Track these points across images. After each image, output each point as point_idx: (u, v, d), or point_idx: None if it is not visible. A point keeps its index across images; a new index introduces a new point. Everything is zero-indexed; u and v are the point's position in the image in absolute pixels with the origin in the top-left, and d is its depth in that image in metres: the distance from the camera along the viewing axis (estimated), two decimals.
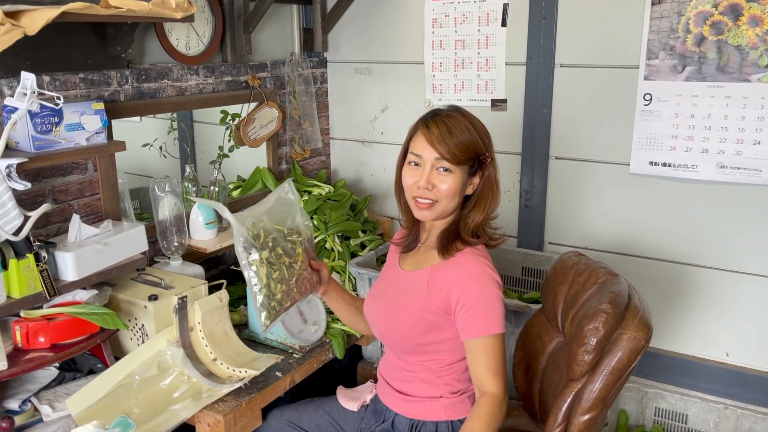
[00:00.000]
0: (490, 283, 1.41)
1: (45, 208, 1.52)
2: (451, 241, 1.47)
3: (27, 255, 1.52)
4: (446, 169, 1.42)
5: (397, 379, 1.56)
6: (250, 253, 1.41)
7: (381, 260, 2.35)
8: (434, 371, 1.50)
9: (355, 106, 2.74)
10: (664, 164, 2.15)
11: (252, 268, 1.40)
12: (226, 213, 1.47)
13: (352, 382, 2.36)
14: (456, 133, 1.41)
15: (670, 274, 2.20)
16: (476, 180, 1.46)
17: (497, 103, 2.41)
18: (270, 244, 1.44)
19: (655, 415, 2.28)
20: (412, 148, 1.47)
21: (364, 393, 1.68)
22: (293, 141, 2.59)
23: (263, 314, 1.42)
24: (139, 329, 1.77)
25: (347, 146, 2.81)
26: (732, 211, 2.07)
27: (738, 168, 2.04)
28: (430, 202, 1.45)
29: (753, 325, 2.11)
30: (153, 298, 1.73)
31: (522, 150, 2.38)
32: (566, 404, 1.40)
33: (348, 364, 2.46)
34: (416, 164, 1.46)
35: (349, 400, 1.68)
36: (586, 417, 1.37)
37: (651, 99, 2.13)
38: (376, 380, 1.71)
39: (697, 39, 2.02)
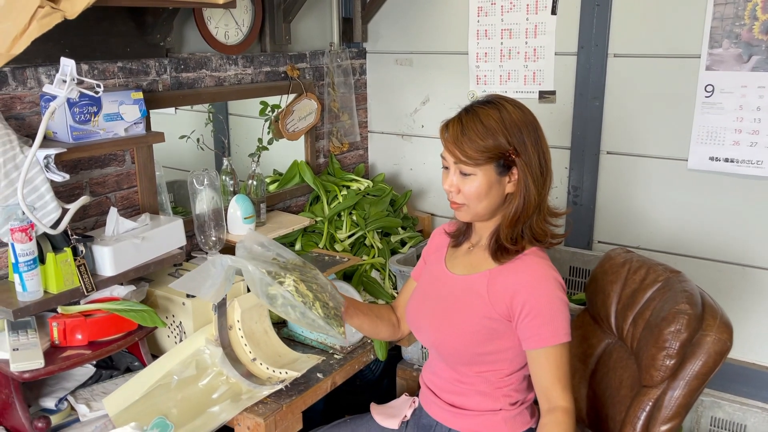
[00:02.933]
0: (555, 288, 1.32)
1: (84, 200, 1.47)
2: (499, 245, 1.37)
3: (65, 249, 1.47)
4: (465, 173, 1.33)
5: (449, 391, 1.46)
6: (282, 279, 1.31)
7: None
8: (493, 382, 1.40)
9: (394, 98, 2.66)
10: (726, 160, 2.02)
11: (290, 288, 1.30)
12: (241, 264, 1.36)
13: (390, 388, 2.29)
14: (470, 133, 1.30)
15: (731, 277, 2.08)
16: (515, 176, 1.34)
17: (545, 95, 2.31)
18: (284, 270, 1.35)
19: (711, 425, 2.16)
20: (442, 150, 1.38)
21: (403, 408, 1.57)
22: (331, 134, 2.52)
23: (333, 324, 1.32)
24: (177, 327, 1.71)
25: (386, 140, 2.73)
26: None
27: None
28: (459, 204, 1.37)
29: None
30: (191, 295, 1.67)
31: (571, 144, 2.27)
32: (645, 413, 1.30)
33: (386, 366, 2.39)
34: (446, 167, 1.38)
35: (387, 417, 1.57)
36: (669, 426, 1.27)
37: (713, 90, 2.00)
38: (418, 387, 1.62)
39: (765, 26, 1.89)
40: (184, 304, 1.67)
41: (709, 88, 2.01)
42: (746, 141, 1.98)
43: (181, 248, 1.78)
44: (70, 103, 1.50)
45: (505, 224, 1.36)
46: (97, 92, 1.44)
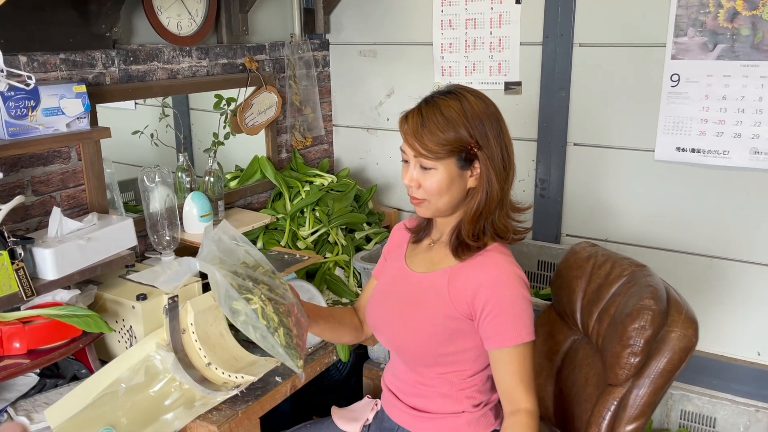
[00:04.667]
0: (518, 285, 1.27)
1: (18, 200, 1.38)
2: (460, 241, 1.32)
3: (0, 252, 1.38)
4: (426, 167, 1.27)
5: (411, 394, 1.41)
6: (249, 296, 1.23)
7: None
8: (455, 384, 1.35)
9: (359, 90, 2.59)
10: (693, 150, 1.99)
11: (256, 308, 1.22)
12: (207, 268, 1.27)
13: (358, 387, 2.23)
14: (430, 125, 1.24)
15: (698, 268, 2.06)
16: (477, 170, 1.28)
17: (511, 86, 2.26)
18: (252, 282, 1.26)
19: (681, 419, 2.14)
20: (402, 143, 1.33)
21: (365, 411, 1.52)
22: (294, 128, 2.45)
23: (293, 356, 1.22)
24: (127, 331, 1.63)
25: (351, 133, 2.66)
26: (766, 200, 1.92)
27: None
28: (419, 200, 1.31)
29: None
30: (141, 297, 1.59)
31: (538, 136, 2.23)
32: (610, 412, 1.26)
33: (352, 366, 2.33)
34: (405, 161, 1.33)
35: (349, 421, 1.51)
36: (634, 425, 1.23)
37: (679, 80, 1.97)
38: (380, 390, 1.57)
39: (730, 14, 1.86)
40: (133, 307, 1.59)
41: (675, 78, 1.98)
42: (712, 131, 1.96)
43: (131, 249, 1.69)
44: (5, 97, 1.41)
45: (467, 220, 1.31)
46: (28, 84, 1.35)
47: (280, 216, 2.19)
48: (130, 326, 1.62)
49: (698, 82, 1.95)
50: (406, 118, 1.31)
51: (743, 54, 1.87)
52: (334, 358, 1.82)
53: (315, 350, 1.79)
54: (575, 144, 2.18)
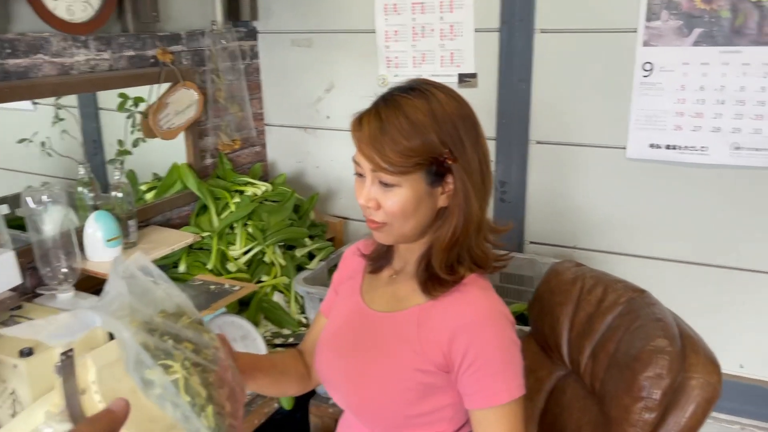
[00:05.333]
0: (504, 327, 1.02)
1: None
2: (431, 273, 1.06)
3: None
4: (387, 184, 1.00)
5: None
6: (168, 362, 0.91)
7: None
8: None
9: (293, 85, 2.29)
10: (668, 146, 1.80)
11: (178, 377, 0.91)
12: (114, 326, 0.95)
13: (303, 422, 1.95)
14: (392, 131, 0.98)
15: (675, 276, 1.88)
16: (450, 186, 1.03)
17: (466, 79, 2.01)
18: (173, 341, 0.95)
19: None
20: (355, 153, 1.05)
21: None
22: (219, 129, 2.12)
23: None
24: (10, 396, 1.29)
25: (286, 134, 2.36)
26: (749, 200, 1.75)
27: (756, 149, 1.71)
28: (379, 223, 1.04)
29: None
30: (26, 352, 1.26)
31: (497, 134, 2.00)
32: None
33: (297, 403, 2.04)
34: (360, 175, 1.05)
35: None
36: None
37: (652, 69, 1.77)
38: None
39: None
40: (16, 366, 1.26)
41: (648, 66, 1.78)
42: (689, 125, 1.77)
43: (14, 289, 1.35)
44: None
45: (440, 248, 1.05)
46: None
47: (205, 234, 1.88)
48: (13, 389, 1.28)
49: (673, 71, 1.75)
50: (359, 121, 1.03)
51: (723, 39, 1.68)
52: (276, 406, 1.53)
53: (251, 399, 1.49)
54: (538, 142, 1.96)
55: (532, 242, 2.06)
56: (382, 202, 1.02)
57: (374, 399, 1.07)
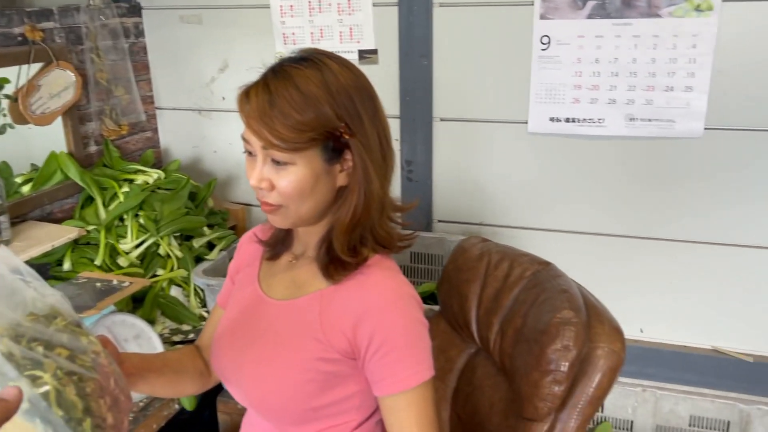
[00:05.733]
0: (411, 308, 0.97)
1: None
2: (332, 256, 1.00)
3: None
4: (280, 162, 0.93)
5: None
6: (37, 372, 0.79)
7: None
8: None
9: (184, 65, 2.15)
10: (568, 120, 1.82)
11: (48, 393, 0.78)
12: None
13: (211, 422, 1.86)
14: (282, 104, 0.91)
15: (579, 246, 1.91)
16: (349, 163, 0.97)
17: (366, 55, 1.95)
18: (44, 348, 0.83)
19: None
20: (244, 129, 0.97)
21: None
22: (103, 114, 1.96)
23: None
24: None
25: (179, 117, 2.22)
26: (643, 169, 1.80)
27: (649, 120, 1.76)
28: (274, 206, 0.96)
29: (669, 295, 1.88)
30: None
31: (400, 112, 1.95)
32: None
33: (204, 394, 1.94)
34: (250, 153, 0.96)
35: None
36: None
37: (549, 42, 1.78)
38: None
39: None
40: None
41: (545, 40, 1.78)
42: (586, 98, 1.80)
43: None
44: None
45: (341, 229, 0.98)
46: None
47: (91, 227, 1.73)
48: None
49: (569, 44, 1.77)
50: (246, 94, 0.95)
51: (615, 12, 1.71)
52: (176, 407, 1.43)
53: (149, 402, 1.38)
54: (442, 119, 1.93)
55: (440, 221, 2.04)
56: (276, 182, 0.95)
57: (276, 393, 1.00)
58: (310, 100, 0.91)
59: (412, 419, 0.95)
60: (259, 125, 0.92)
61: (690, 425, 1.91)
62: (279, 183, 0.94)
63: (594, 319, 1.04)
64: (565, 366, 0.98)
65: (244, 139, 0.96)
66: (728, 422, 1.87)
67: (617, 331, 1.03)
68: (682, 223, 1.80)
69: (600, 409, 1.99)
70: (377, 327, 0.94)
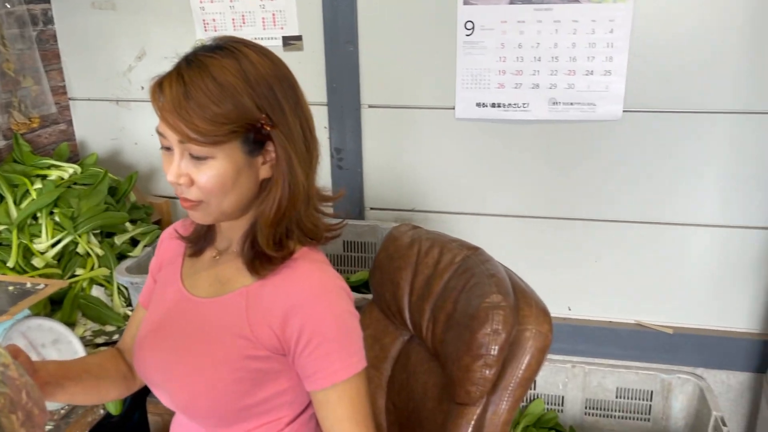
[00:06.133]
0: (340, 300, 0.95)
1: None
2: (257, 251, 0.97)
3: None
4: (198, 156, 0.89)
5: None
6: None
7: None
8: None
9: (98, 53, 2.04)
10: (494, 105, 1.84)
11: None
12: None
13: (141, 424, 1.80)
14: (198, 95, 0.87)
15: (508, 229, 1.95)
16: (272, 154, 0.94)
17: (291, 42, 1.91)
18: None
19: None
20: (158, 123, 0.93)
21: None
22: (11, 107, 1.84)
23: None
24: None
25: (95, 108, 2.11)
26: (565, 153, 1.84)
27: (571, 103, 1.80)
28: (194, 202, 0.93)
29: (593, 273, 1.94)
30: None
31: (327, 99, 1.92)
32: None
33: (132, 403, 1.87)
34: (167, 148, 0.92)
35: None
36: None
37: (473, 28, 1.79)
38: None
39: None
40: None
41: (469, 25, 1.79)
42: (511, 83, 1.82)
43: None
44: None
45: (265, 223, 0.95)
46: None
47: (2, 227, 1.62)
48: None
49: (493, 30, 1.78)
50: (160, 86, 0.90)
51: None
52: (102, 412, 1.37)
53: (71, 409, 1.32)
54: (370, 106, 1.92)
55: (372, 208, 2.03)
56: (195, 177, 0.91)
57: (205, 395, 0.97)
58: (228, 91, 0.88)
59: (346, 412, 0.95)
60: (175, 118, 0.88)
61: (617, 397, 1.99)
62: (198, 178, 0.91)
63: (522, 302, 1.05)
64: (494, 350, 0.99)
65: (160, 134, 0.92)
66: (651, 392, 1.96)
67: (544, 313, 1.05)
68: (604, 203, 1.86)
69: (533, 386, 2.04)
70: (306, 321, 0.93)
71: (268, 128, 0.91)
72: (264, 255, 0.96)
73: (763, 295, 1.85)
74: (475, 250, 1.21)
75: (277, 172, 0.94)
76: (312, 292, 0.94)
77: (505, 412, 1.00)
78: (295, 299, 0.94)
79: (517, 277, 1.16)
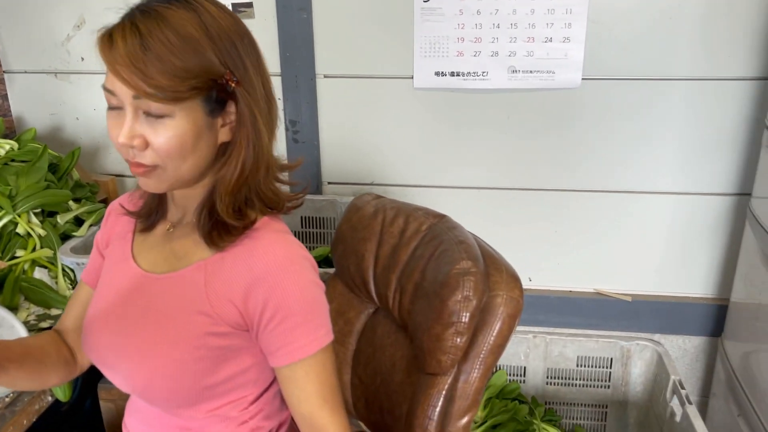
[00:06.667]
0: (305, 271, 0.90)
1: None
2: (216, 220, 0.91)
3: None
4: (155, 115, 0.82)
5: None
6: None
7: None
8: (234, 418, 0.96)
9: (33, 22, 1.91)
10: (452, 74, 1.81)
11: None
12: None
13: (94, 411, 1.72)
14: (157, 47, 0.80)
15: (468, 201, 1.92)
16: (232, 116, 0.88)
17: (241, 8, 1.82)
18: None
19: None
20: (106, 78, 0.85)
21: None
22: None
23: None
24: None
25: (32, 81, 1.98)
26: (528, 121, 1.83)
27: (530, 72, 1.78)
28: (148, 167, 0.85)
29: (553, 243, 1.94)
30: None
31: (281, 69, 1.85)
32: (437, 410, 0.99)
33: (83, 382, 1.79)
34: (116, 107, 0.84)
35: None
36: (468, 418, 0.98)
37: None
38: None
39: None
40: None
41: None
42: (470, 50, 1.78)
43: None
44: None
45: (225, 190, 0.89)
46: None
47: None
48: None
49: None
50: (110, 37, 0.82)
51: None
52: (49, 400, 1.29)
53: (17, 396, 1.24)
54: (326, 76, 1.86)
55: (330, 182, 1.98)
56: (151, 138, 0.84)
57: (164, 376, 0.91)
58: (190, 44, 0.81)
59: (313, 388, 0.90)
60: (130, 72, 0.80)
61: (577, 365, 2.01)
62: (155, 139, 0.84)
63: (492, 267, 1.03)
64: (466, 316, 0.96)
65: (108, 90, 0.84)
66: (611, 359, 1.98)
67: (515, 278, 1.02)
68: (563, 173, 1.85)
69: None
70: (270, 294, 0.88)
71: (233, 85, 0.85)
72: (223, 225, 0.90)
73: (719, 261, 1.88)
74: (442, 217, 1.18)
75: (240, 133, 0.88)
76: (275, 263, 0.89)
77: (477, 380, 0.98)
78: (258, 271, 0.88)
79: (485, 243, 1.13)
